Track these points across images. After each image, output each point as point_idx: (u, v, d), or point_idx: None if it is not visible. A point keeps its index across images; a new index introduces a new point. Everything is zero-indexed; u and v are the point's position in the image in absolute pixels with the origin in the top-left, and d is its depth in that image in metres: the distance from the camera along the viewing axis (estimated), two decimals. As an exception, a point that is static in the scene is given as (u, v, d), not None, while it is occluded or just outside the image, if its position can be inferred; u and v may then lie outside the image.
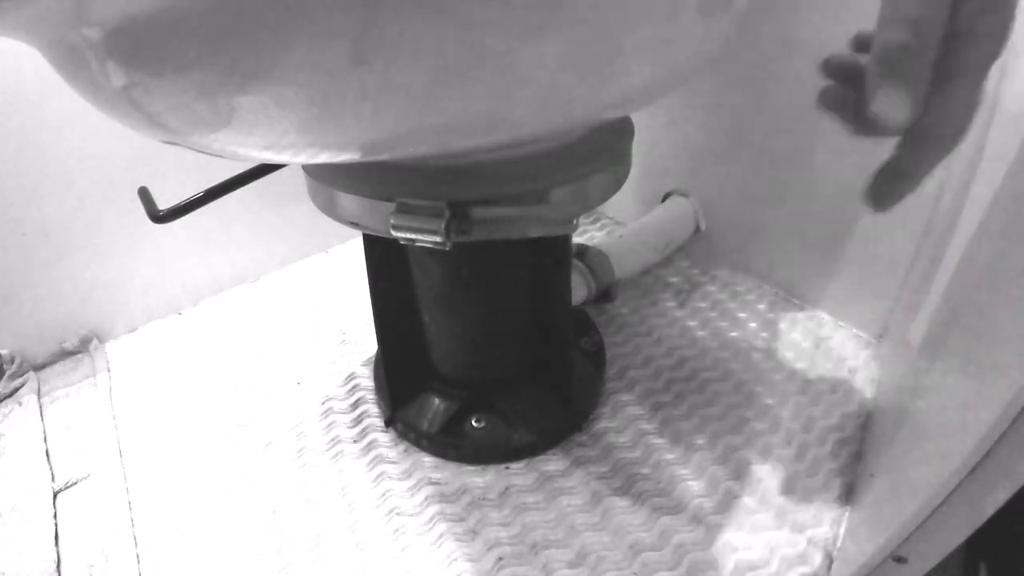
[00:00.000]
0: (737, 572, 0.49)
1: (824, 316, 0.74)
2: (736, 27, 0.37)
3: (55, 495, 0.57)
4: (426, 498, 0.55)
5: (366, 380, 0.69)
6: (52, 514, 0.54)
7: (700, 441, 0.59)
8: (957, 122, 0.29)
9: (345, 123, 0.27)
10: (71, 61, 0.27)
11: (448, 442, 0.58)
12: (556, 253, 0.51)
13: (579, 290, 0.71)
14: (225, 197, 0.52)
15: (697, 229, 0.83)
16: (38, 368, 0.73)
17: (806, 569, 0.48)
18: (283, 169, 0.54)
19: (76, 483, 0.59)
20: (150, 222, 0.49)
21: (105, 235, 0.72)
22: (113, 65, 0.25)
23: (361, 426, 0.63)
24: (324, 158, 0.31)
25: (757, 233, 0.78)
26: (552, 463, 0.58)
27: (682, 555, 0.50)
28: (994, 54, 0.28)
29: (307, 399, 0.67)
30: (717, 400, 0.64)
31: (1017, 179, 0.43)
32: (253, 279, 0.87)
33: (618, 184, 0.45)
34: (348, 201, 0.41)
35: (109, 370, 0.73)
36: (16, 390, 0.70)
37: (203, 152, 0.33)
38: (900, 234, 0.63)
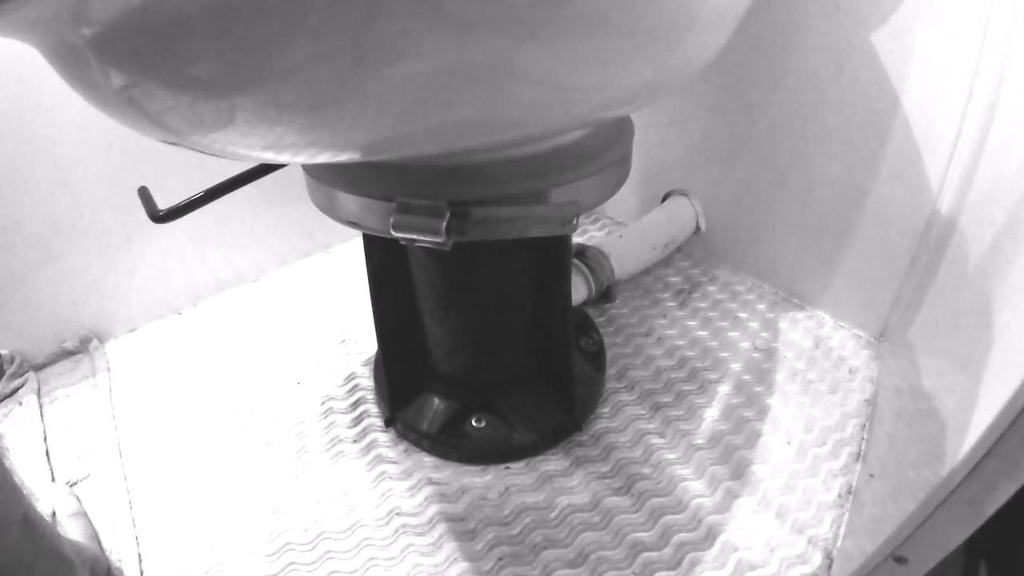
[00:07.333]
0: (737, 572, 0.49)
1: (824, 316, 0.74)
2: (732, 33, 0.37)
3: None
4: (426, 498, 0.55)
5: (366, 380, 0.69)
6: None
7: (700, 441, 0.59)
8: None
9: (345, 123, 0.27)
10: (71, 61, 0.27)
11: (448, 442, 0.58)
12: (556, 253, 0.51)
13: (579, 290, 0.71)
14: (225, 197, 0.52)
15: (697, 229, 0.83)
16: (38, 368, 0.73)
17: (806, 569, 0.48)
18: (283, 169, 0.54)
19: (76, 483, 0.59)
20: (150, 222, 0.49)
21: (105, 235, 0.72)
22: (113, 65, 0.25)
23: (361, 426, 0.63)
24: (324, 158, 0.31)
25: (757, 233, 0.78)
26: (552, 463, 0.58)
27: (682, 555, 0.50)
28: None
29: (307, 399, 0.67)
30: (717, 400, 0.64)
31: (1017, 179, 0.43)
32: (253, 279, 0.87)
33: (618, 184, 0.45)
34: (348, 201, 0.41)
35: (109, 370, 0.73)
36: (16, 390, 0.70)
37: (203, 152, 0.33)
38: (900, 234, 0.63)
